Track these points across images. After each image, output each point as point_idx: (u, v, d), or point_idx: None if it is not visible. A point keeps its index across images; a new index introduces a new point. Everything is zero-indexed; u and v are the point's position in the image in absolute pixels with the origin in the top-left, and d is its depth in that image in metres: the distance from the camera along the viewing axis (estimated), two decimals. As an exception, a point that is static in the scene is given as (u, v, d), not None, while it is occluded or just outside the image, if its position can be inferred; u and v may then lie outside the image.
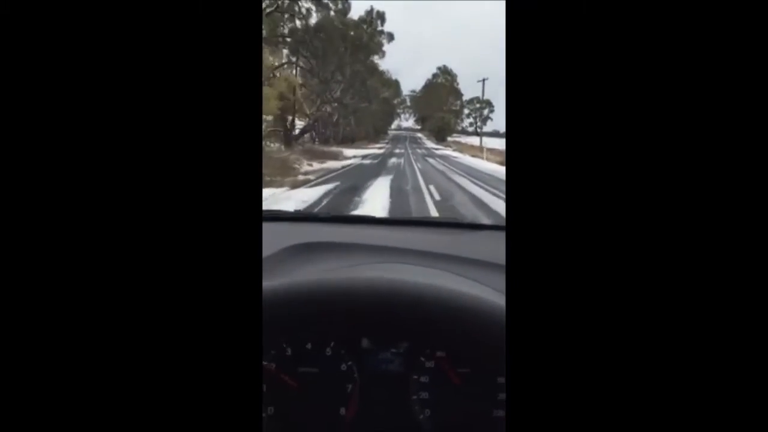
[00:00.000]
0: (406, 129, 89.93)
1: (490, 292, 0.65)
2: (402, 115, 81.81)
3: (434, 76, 71.97)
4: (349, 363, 0.61)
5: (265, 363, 0.61)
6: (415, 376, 0.61)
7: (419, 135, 68.26)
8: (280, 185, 9.32)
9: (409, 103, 78.97)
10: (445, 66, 71.71)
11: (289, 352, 0.62)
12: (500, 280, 0.69)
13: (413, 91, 79.52)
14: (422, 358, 0.61)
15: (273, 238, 0.96)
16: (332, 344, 0.62)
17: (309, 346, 0.62)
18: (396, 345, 0.62)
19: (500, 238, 1.07)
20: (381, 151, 26.43)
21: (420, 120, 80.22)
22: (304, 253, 0.83)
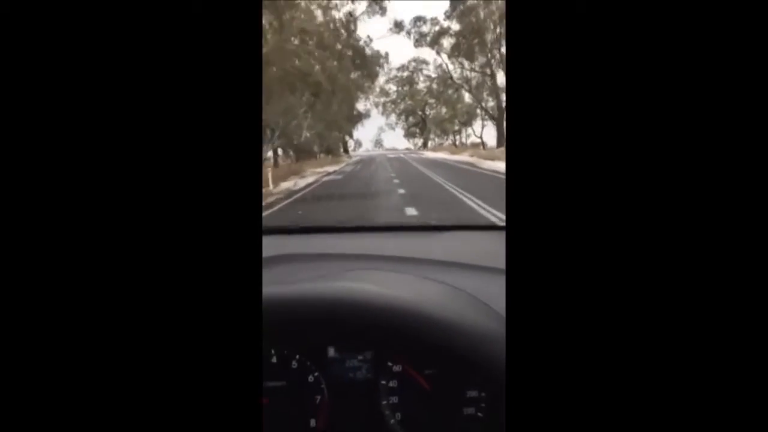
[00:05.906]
0: (389, 149, 47.10)
1: (447, 293, 0.66)
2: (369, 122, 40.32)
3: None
4: (316, 374, 0.61)
5: None
6: (384, 381, 0.61)
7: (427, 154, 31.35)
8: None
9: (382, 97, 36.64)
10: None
11: None
12: (456, 277, 0.72)
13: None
14: (389, 363, 0.61)
15: None
16: (297, 357, 0.62)
17: (274, 360, 0.61)
18: (362, 353, 0.62)
19: (461, 237, 1.11)
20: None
21: (421, 122, 35.36)
22: (278, 265, 0.82)
